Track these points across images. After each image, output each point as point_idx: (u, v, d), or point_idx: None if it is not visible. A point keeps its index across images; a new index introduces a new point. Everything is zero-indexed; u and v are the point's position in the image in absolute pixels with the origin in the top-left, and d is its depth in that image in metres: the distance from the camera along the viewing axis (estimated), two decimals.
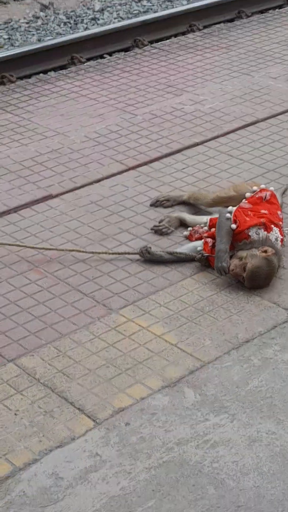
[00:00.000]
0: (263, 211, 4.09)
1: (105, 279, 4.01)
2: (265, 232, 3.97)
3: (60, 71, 6.51)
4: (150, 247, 4.12)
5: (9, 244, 4.22)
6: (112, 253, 4.15)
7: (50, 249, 4.18)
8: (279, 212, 4.20)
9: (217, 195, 4.45)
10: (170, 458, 3.00)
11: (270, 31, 7.25)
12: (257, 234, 3.96)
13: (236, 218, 4.00)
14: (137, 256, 4.13)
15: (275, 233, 4.01)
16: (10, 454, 3.03)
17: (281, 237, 4.06)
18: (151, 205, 4.62)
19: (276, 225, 4.06)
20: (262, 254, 3.88)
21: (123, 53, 6.89)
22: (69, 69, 6.56)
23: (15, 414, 3.20)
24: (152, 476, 2.93)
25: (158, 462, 2.98)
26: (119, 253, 4.15)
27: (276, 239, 4.01)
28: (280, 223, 4.13)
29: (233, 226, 3.97)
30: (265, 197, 4.21)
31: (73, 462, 2.99)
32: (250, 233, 3.96)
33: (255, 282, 3.89)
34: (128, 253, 4.15)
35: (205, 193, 4.57)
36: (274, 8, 8.10)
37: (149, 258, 4.10)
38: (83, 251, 4.14)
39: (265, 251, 3.89)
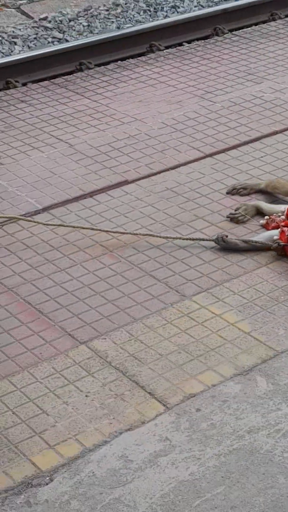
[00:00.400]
0: None
1: (178, 265, 3.98)
2: None
3: (139, 58, 6.49)
4: (226, 235, 4.07)
5: (84, 228, 4.23)
6: (187, 239, 4.12)
7: (124, 233, 4.17)
8: None
9: None
10: (241, 446, 2.96)
11: None
12: None
13: None
14: (212, 244, 4.09)
15: None
16: (80, 435, 3.03)
17: None
18: (228, 192, 4.57)
19: None
20: None
21: (203, 40, 6.83)
22: (148, 55, 6.54)
23: (86, 396, 3.21)
24: (222, 462, 2.90)
25: (228, 449, 2.95)
26: (193, 239, 4.11)
27: None
28: None
29: None
30: None
31: (143, 445, 2.98)
32: None
33: None
34: (203, 240, 4.11)
35: (283, 182, 4.50)
36: None
37: (224, 246, 4.06)
38: (157, 236, 4.12)
39: None
